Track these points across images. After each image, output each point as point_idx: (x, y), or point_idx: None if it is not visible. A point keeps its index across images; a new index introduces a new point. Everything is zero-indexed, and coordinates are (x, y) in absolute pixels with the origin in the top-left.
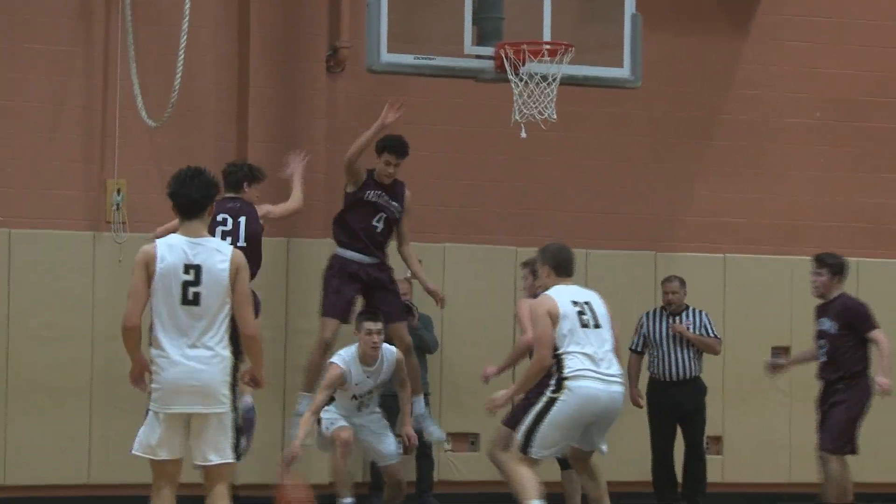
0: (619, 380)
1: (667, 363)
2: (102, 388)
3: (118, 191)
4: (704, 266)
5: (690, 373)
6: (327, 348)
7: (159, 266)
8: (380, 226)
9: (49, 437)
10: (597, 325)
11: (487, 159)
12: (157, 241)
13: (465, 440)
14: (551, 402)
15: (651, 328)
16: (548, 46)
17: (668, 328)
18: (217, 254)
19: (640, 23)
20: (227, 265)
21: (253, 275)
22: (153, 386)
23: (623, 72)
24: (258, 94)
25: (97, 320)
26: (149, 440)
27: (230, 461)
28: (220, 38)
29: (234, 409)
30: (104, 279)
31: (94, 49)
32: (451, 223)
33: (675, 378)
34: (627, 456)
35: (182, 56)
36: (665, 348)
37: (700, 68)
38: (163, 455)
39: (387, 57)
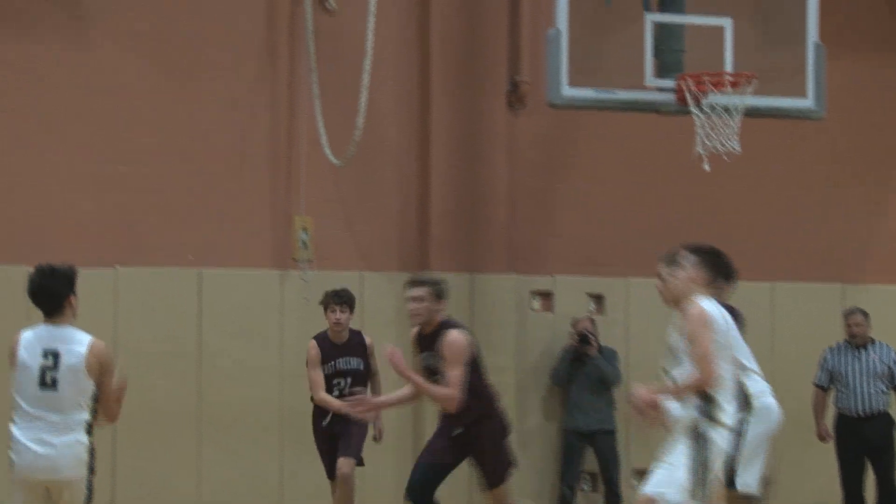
0: None
1: (855, 398)
2: (291, 424)
3: (304, 229)
4: (893, 298)
5: (879, 407)
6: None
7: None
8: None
9: (241, 473)
10: None
11: (670, 192)
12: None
13: None
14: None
15: (837, 362)
16: (729, 77)
17: (854, 361)
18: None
19: (823, 52)
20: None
21: None
22: None
23: (807, 102)
24: (440, 130)
25: (285, 358)
26: None
27: None
28: (402, 75)
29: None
30: (292, 317)
31: (280, 89)
32: (634, 257)
33: (863, 413)
34: (817, 491)
35: (365, 94)
36: (853, 383)
37: (884, 96)
38: None
39: (568, 91)
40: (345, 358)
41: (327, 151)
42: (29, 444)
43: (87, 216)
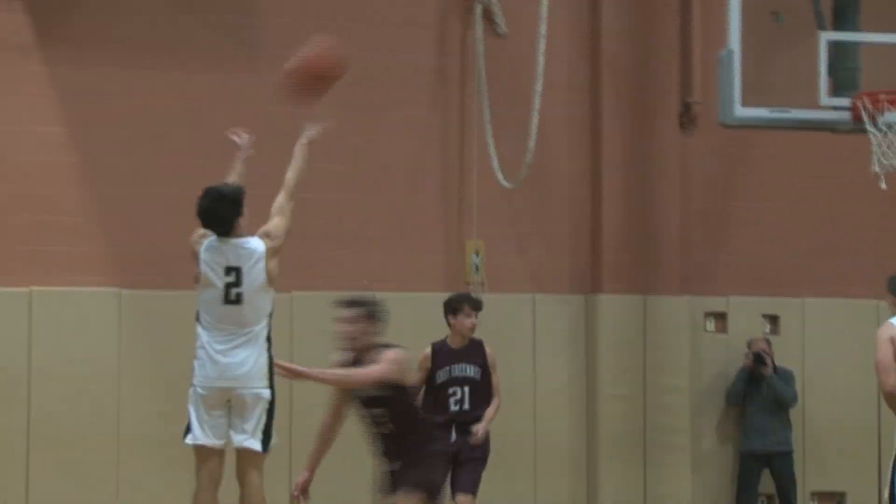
0: None
1: None
2: None
3: (477, 252)
4: None
5: None
6: None
7: None
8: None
9: None
10: None
11: (845, 211)
12: None
13: (831, 500)
14: None
15: None
16: None
17: None
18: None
19: None
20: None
21: None
22: None
23: None
24: (611, 152)
25: None
26: None
27: None
28: (572, 98)
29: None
30: None
31: (451, 114)
32: (809, 277)
33: None
34: None
35: (536, 117)
36: None
37: None
38: None
39: (740, 111)
40: (461, 364)
41: (499, 175)
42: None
43: None
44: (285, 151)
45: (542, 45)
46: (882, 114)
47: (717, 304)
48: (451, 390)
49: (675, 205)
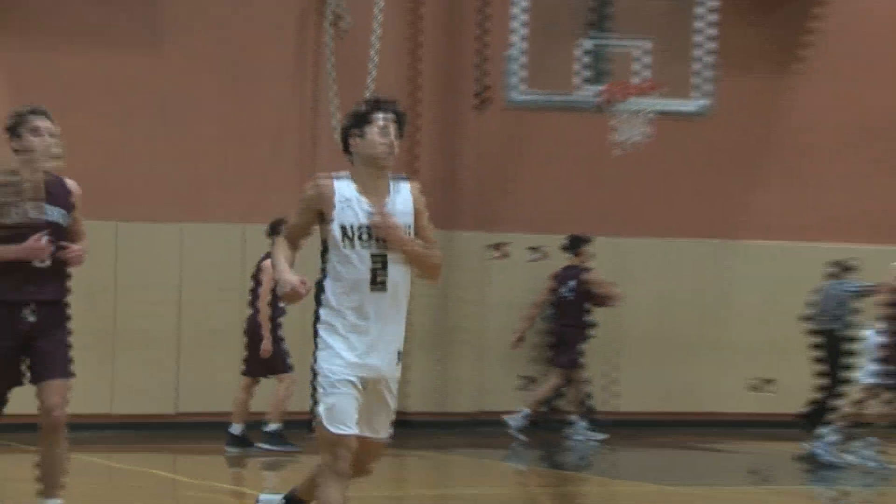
0: None
1: None
2: None
3: None
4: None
5: None
6: None
7: None
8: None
9: None
10: None
11: (595, 175)
12: None
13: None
14: None
15: None
16: (642, 85)
17: None
18: None
19: (716, 64)
20: None
21: None
22: None
23: (698, 105)
24: (426, 128)
25: None
26: None
27: None
28: (398, 89)
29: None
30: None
31: (306, 91)
32: (567, 219)
33: None
34: None
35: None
36: None
37: (763, 102)
38: None
39: (521, 96)
40: None
41: (340, 142)
42: None
43: (159, 179)
44: (184, 118)
45: (375, 42)
46: (623, 100)
47: (500, 237)
48: None
49: (472, 165)
